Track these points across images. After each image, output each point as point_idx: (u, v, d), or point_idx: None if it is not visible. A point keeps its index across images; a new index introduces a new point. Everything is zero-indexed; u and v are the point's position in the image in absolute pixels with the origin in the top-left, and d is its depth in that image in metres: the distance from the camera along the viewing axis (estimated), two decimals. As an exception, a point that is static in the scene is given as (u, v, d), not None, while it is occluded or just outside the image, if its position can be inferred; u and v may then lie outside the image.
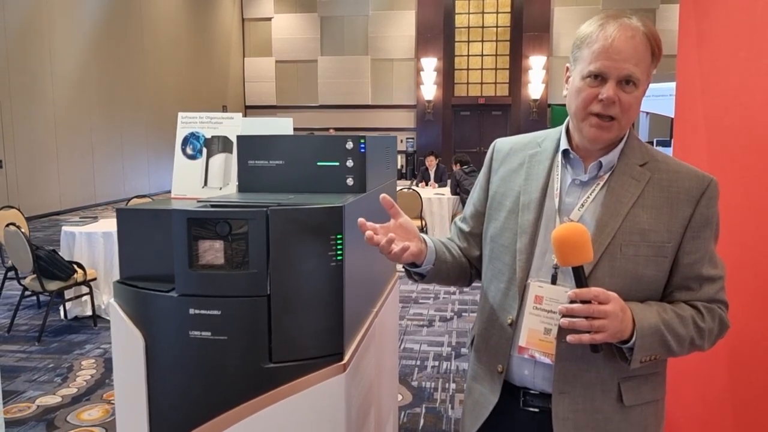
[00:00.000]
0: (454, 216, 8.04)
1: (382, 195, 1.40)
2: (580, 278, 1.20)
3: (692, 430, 2.30)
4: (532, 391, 1.37)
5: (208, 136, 1.98)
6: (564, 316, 1.20)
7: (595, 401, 1.31)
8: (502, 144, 1.52)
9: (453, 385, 3.93)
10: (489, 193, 1.49)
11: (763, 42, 1.89)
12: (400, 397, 3.68)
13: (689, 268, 1.29)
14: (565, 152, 1.37)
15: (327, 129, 17.29)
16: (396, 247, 1.30)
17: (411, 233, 1.39)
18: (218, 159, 1.97)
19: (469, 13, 17.88)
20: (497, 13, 17.77)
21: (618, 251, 1.27)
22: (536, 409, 1.36)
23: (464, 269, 1.54)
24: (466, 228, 1.55)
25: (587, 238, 1.19)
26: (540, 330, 1.31)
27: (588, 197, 1.32)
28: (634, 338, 1.21)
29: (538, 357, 1.32)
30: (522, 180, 1.41)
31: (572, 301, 1.19)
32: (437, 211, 8.02)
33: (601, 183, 1.32)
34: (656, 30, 1.28)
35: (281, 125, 2.06)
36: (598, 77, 1.24)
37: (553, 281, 1.31)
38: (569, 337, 1.20)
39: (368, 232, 1.30)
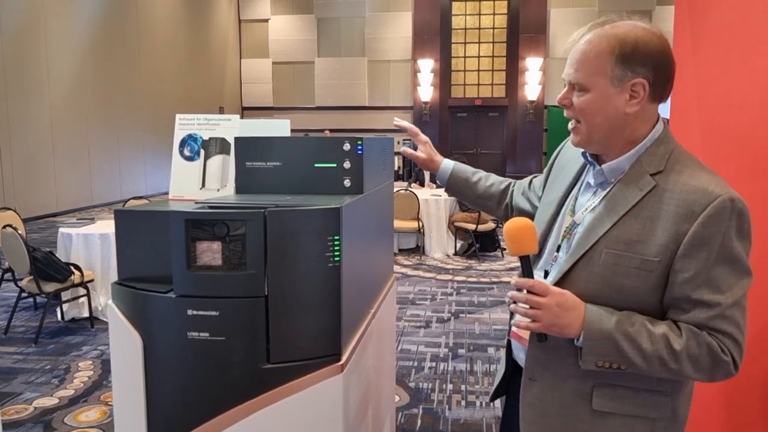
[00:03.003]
0: (451, 218, 8.04)
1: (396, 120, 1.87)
2: (525, 268, 1.30)
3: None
4: None
5: (206, 137, 1.99)
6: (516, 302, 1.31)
7: (564, 397, 1.34)
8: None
9: (450, 386, 3.93)
10: (546, 185, 1.59)
11: (757, 44, 1.90)
12: (397, 398, 3.68)
13: (678, 288, 1.23)
14: (585, 155, 1.41)
15: (323, 130, 17.28)
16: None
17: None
18: (216, 160, 1.98)
19: (465, 15, 17.90)
20: (494, 14, 17.80)
21: (597, 257, 1.28)
22: None
23: (489, 199, 1.77)
24: (527, 186, 1.73)
25: (529, 233, 1.30)
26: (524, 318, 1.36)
27: (594, 201, 1.35)
28: (581, 338, 1.25)
29: (522, 340, 1.42)
30: (562, 178, 1.50)
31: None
32: (434, 213, 8.02)
33: (609, 188, 1.34)
34: (641, 31, 1.25)
35: (278, 127, 2.06)
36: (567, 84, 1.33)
37: (546, 275, 1.37)
38: (513, 321, 1.34)
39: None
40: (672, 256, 1.22)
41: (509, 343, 1.55)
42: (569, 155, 1.52)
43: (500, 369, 1.61)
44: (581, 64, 1.27)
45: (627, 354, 1.22)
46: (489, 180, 1.77)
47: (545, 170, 1.63)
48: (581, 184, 1.42)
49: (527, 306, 1.26)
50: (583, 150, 1.40)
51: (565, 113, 1.33)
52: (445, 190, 1.82)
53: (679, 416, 1.35)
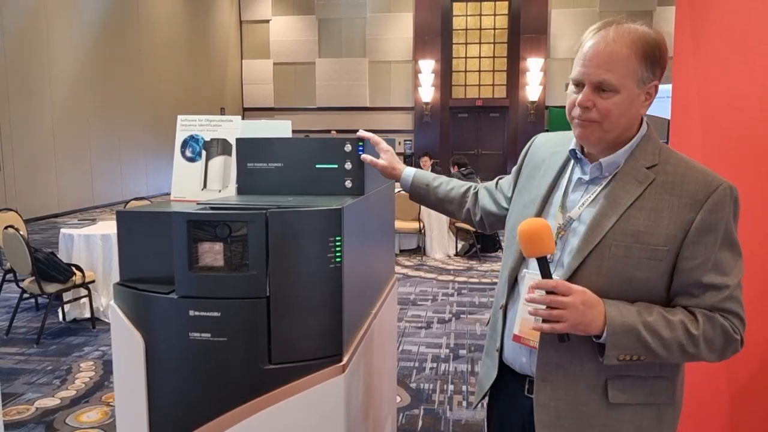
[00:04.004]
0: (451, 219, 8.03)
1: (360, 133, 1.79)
2: (543, 269, 1.27)
3: (686, 429, 2.31)
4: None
5: (208, 138, 1.99)
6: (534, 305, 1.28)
7: (579, 394, 1.34)
8: (539, 139, 1.59)
9: (451, 387, 3.93)
10: (517, 185, 1.57)
11: (757, 44, 1.90)
12: (398, 399, 3.68)
13: (688, 274, 1.27)
14: (573, 152, 1.41)
15: (329, 131, 17.28)
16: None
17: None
18: (217, 161, 1.98)
19: (466, 15, 17.90)
20: (495, 15, 17.80)
21: (607, 251, 1.29)
22: None
23: (450, 202, 1.74)
24: (493, 187, 1.71)
25: (546, 232, 1.26)
26: (531, 319, 1.34)
27: (590, 196, 1.35)
28: (605, 334, 1.25)
29: (530, 343, 1.38)
30: (539, 176, 1.48)
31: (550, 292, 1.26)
32: (435, 214, 8.00)
33: (605, 183, 1.35)
34: (658, 34, 1.29)
35: (280, 128, 2.07)
36: (579, 83, 1.30)
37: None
38: (532, 325, 1.28)
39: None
40: (679, 244, 1.27)
41: (501, 346, 1.49)
42: (541, 154, 1.53)
43: (488, 373, 1.55)
44: (613, 65, 1.25)
45: (649, 344, 1.25)
46: (450, 184, 1.77)
47: (514, 170, 1.62)
48: (567, 182, 1.42)
49: (544, 307, 1.25)
50: (572, 148, 1.40)
51: (582, 114, 1.29)
52: (410, 198, 1.81)
53: (677, 401, 1.40)
